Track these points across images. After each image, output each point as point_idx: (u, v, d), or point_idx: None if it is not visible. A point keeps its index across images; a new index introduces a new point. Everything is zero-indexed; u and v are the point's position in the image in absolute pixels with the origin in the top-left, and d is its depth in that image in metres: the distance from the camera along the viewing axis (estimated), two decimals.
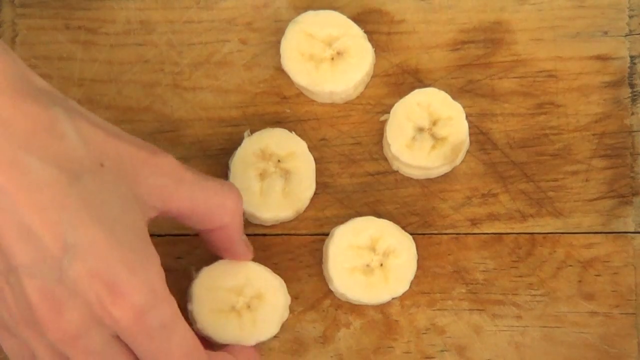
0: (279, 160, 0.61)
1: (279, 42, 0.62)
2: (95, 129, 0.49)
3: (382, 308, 0.61)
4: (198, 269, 0.58)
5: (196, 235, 0.57)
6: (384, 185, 0.62)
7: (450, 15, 0.63)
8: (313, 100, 0.63)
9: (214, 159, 0.62)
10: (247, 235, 0.58)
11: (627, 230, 0.61)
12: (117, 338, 0.50)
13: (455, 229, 0.61)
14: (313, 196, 0.61)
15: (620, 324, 0.61)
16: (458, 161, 0.62)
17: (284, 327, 0.59)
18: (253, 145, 0.61)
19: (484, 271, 0.61)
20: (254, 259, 0.58)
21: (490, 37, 0.63)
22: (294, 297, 0.60)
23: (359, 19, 0.63)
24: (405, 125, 0.61)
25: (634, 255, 0.61)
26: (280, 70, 0.63)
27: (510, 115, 0.62)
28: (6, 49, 0.49)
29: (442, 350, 0.60)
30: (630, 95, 0.62)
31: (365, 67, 0.61)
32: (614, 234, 0.61)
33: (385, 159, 0.62)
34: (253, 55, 0.63)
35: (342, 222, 0.60)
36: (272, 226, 0.62)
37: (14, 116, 0.47)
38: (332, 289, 0.60)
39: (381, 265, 0.59)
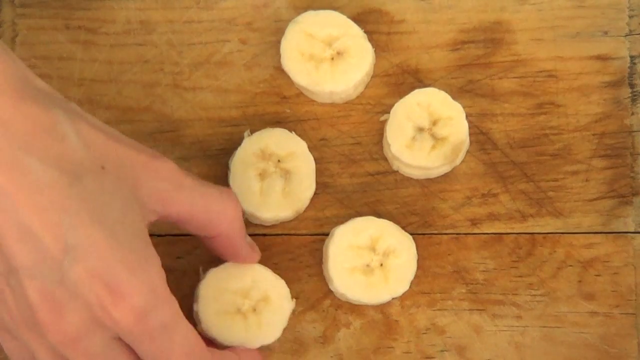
0: (279, 160, 0.61)
1: (279, 42, 0.62)
2: (96, 132, 0.49)
3: (382, 308, 0.61)
4: (206, 269, 0.58)
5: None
6: (384, 185, 0.62)
7: (450, 15, 0.63)
8: (313, 100, 0.63)
9: (214, 159, 0.62)
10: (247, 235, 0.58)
11: (627, 230, 0.61)
12: (118, 340, 0.50)
13: (455, 229, 0.61)
14: (313, 196, 0.61)
15: (620, 324, 0.61)
16: (458, 161, 0.62)
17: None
18: (253, 145, 0.61)
19: (484, 271, 0.61)
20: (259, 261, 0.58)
21: (490, 37, 0.63)
22: (294, 297, 0.60)
23: (359, 19, 0.63)
24: (405, 125, 0.61)
25: (634, 255, 0.61)
26: (280, 70, 0.63)
27: (510, 115, 0.62)
28: (6, 49, 0.49)
29: (442, 350, 0.60)
30: (630, 95, 0.62)
31: (365, 67, 0.61)
32: (614, 234, 0.61)
33: (385, 159, 0.62)
34: (253, 55, 0.63)
35: (342, 222, 0.60)
36: (272, 226, 0.61)
37: (14, 117, 0.47)
38: (332, 289, 0.60)
39: (381, 265, 0.59)
